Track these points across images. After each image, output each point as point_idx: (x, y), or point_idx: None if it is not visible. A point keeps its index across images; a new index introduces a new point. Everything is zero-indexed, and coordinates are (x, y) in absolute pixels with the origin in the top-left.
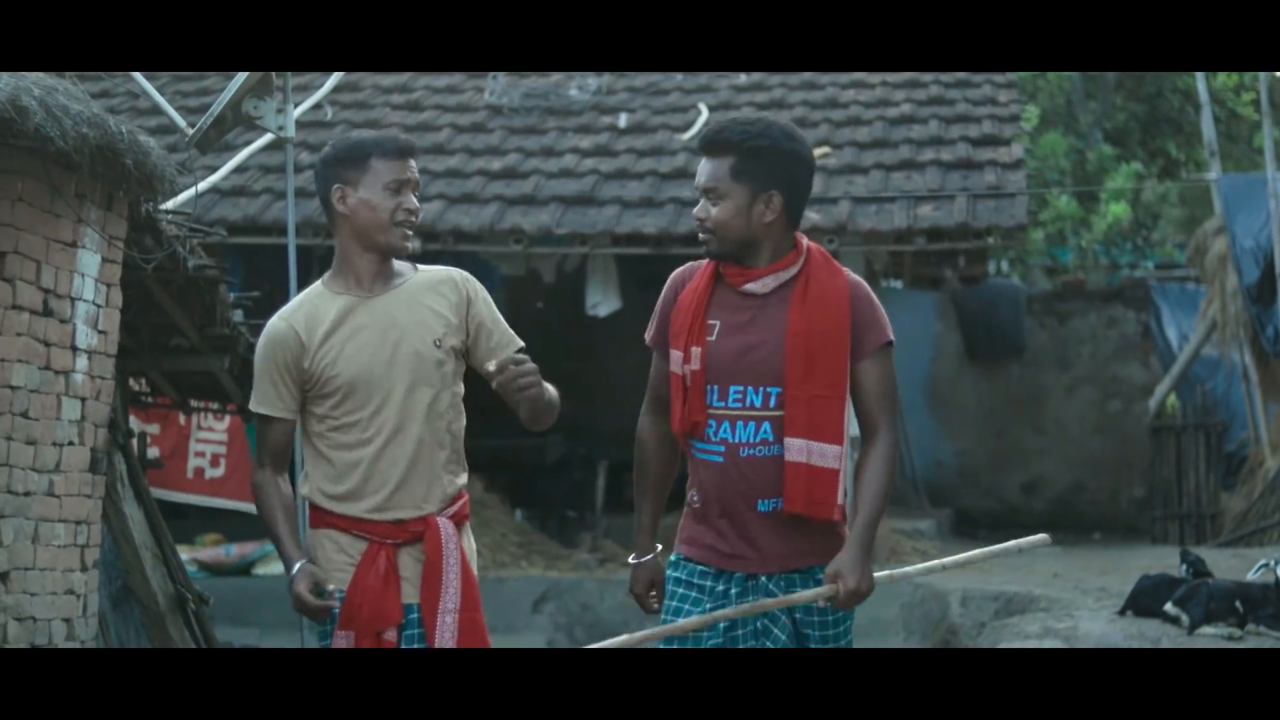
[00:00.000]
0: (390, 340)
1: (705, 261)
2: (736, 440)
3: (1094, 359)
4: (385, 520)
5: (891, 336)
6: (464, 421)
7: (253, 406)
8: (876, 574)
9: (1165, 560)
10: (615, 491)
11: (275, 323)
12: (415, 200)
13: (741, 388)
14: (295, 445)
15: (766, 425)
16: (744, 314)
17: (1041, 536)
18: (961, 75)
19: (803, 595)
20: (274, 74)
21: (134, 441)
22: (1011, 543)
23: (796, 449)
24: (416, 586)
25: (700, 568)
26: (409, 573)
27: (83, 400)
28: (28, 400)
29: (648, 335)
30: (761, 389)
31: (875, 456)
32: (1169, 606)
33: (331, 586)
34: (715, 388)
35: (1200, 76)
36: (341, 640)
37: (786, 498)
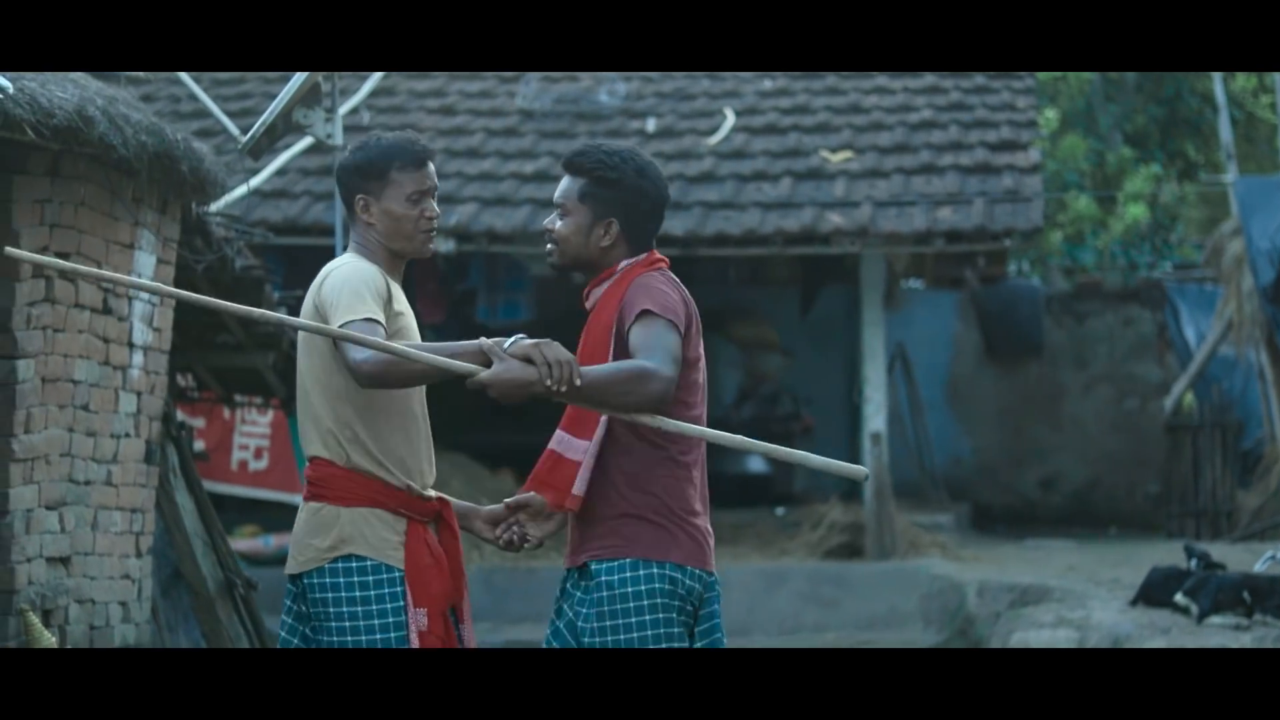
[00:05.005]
0: (413, 328)
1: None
2: None
3: (1111, 358)
4: (422, 497)
5: (648, 306)
6: None
7: (362, 314)
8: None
9: (1179, 555)
10: None
11: (362, 266)
12: (435, 206)
13: None
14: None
15: None
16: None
17: (859, 469)
18: (980, 81)
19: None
20: (322, 84)
21: (185, 433)
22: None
23: (555, 439)
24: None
25: None
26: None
27: (138, 394)
28: (88, 394)
29: None
30: None
31: (632, 361)
32: (1179, 597)
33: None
34: None
35: (1218, 79)
36: (420, 617)
37: (531, 478)
